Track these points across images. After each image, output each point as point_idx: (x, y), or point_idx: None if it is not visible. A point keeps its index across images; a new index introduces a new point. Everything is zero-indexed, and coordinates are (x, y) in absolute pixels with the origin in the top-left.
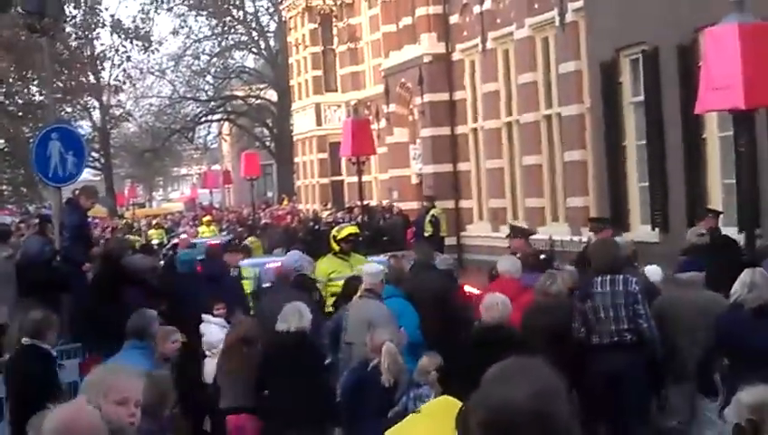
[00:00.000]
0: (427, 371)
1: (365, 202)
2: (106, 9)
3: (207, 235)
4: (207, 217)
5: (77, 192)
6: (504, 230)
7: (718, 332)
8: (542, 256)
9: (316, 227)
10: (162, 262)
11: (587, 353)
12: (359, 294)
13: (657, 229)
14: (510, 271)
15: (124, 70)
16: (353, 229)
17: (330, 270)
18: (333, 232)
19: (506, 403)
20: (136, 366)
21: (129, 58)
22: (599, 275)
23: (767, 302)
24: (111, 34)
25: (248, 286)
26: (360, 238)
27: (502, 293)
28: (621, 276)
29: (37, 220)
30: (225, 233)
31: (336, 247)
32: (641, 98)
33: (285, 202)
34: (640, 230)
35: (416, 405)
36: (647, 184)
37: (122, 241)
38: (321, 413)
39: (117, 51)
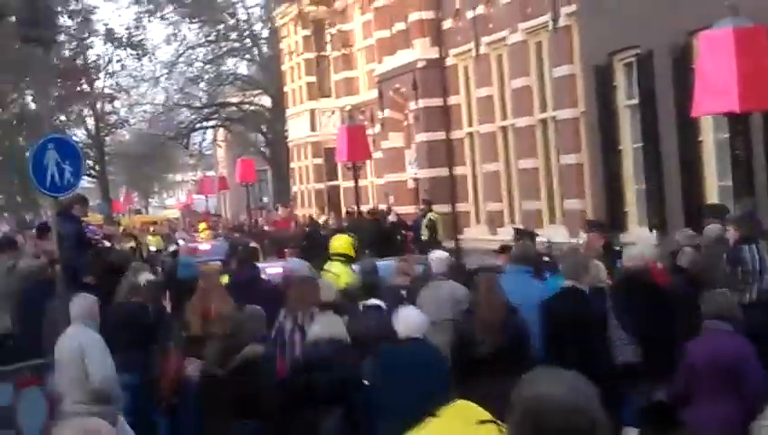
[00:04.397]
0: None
1: (362, 207)
2: (100, 20)
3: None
4: (203, 224)
5: (65, 202)
6: (502, 233)
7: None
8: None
9: (314, 232)
10: (161, 268)
11: None
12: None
13: (654, 231)
14: (642, 254)
15: (116, 80)
16: (351, 239)
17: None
18: (333, 240)
19: (548, 396)
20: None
21: (123, 67)
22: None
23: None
24: (105, 43)
25: None
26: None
27: None
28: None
29: (36, 230)
30: (221, 239)
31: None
32: (636, 101)
33: (280, 211)
34: (638, 232)
35: None
36: (643, 187)
37: (125, 254)
38: None
39: (110, 60)
